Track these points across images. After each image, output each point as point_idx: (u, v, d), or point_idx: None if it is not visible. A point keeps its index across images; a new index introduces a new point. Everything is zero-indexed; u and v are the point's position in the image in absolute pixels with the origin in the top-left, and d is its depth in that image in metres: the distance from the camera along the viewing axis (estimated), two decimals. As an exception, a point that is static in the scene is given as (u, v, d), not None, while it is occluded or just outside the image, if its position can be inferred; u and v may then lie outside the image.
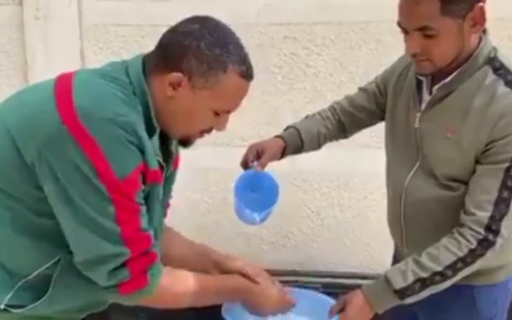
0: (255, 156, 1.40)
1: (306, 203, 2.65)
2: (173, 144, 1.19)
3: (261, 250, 2.61)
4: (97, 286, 1.06)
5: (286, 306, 1.29)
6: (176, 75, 1.03)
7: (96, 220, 0.98)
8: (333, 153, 2.43)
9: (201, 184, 2.54)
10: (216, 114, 1.09)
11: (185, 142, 1.15)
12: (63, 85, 1.02)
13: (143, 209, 1.03)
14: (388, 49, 2.21)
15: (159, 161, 1.08)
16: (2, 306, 1.04)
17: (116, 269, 1.01)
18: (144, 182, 1.02)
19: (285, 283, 1.44)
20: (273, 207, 1.36)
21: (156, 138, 1.07)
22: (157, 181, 1.07)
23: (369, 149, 2.29)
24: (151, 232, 1.05)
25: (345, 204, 2.64)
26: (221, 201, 2.49)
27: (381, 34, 2.33)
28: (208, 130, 1.13)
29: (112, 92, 1.01)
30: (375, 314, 1.30)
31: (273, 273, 1.46)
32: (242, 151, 1.51)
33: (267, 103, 2.56)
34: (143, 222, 1.03)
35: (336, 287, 2.22)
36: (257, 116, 2.52)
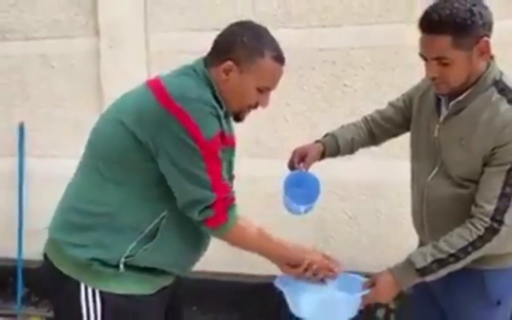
0: (300, 158, 1.68)
1: (345, 210, 2.87)
2: (232, 124, 1.50)
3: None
4: (191, 239, 1.38)
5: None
6: (227, 63, 1.39)
7: (193, 173, 1.31)
8: (370, 164, 2.67)
9: (252, 191, 2.81)
10: (260, 91, 1.42)
11: (238, 117, 1.48)
12: (156, 84, 1.39)
13: (224, 164, 1.36)
14: (418, 71, 2.45)
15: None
16: (122, 260, 1.35)
17: (205, 208, 1.33)
18: (222, 144, 1.35)
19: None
20: (316, 201, 1.61)
21: (223, 113, 1.39)
22: (229, 144, 1.41)
23: (402, 160, 2.51)
24: (229, 182, 1.38)
25: (381, 211, 2.85)
26: (266, 206, 2.74)
27: (412, 57, 2.55)
28: (255, 106, 1.46)
29: (190, 81, 1.37)
30: (400, 296, 1.53)
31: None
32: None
33: (309, 119, 2.82)
34: (224, 174, 1.36)
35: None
36: (301, 130, 2.79)
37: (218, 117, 1.34)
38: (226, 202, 1.36)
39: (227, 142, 1.40)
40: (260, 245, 1.45)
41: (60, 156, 3.15)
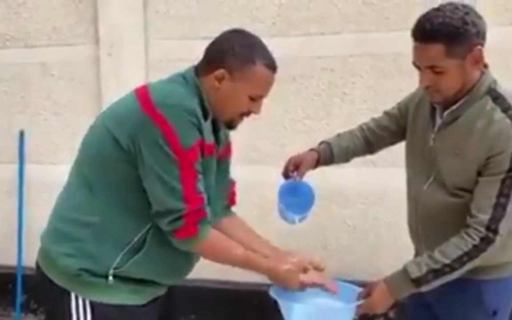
0: (294, 166, 1.67)
1: (344, 217, 2.88)
2: (222, 134, 1.50)
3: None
4: (178, 250, 1.35)
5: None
6: (219, 71, 1.38)
7: (167, 180, 1.29)
8: (369, 171, 2.67)
9: (250, 197, 2.81)
10: (251, 99, 1.41)
11: (230, 125, 1.47)
12: (142, 90, 1.39)
13: (200, 176, 1.33)
14: (416, 78, 2.45)
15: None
16: (111, 271, 1.35)
17: (175, 219, 1.31)
18: (202, 155, 1.34)
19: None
20: (311, 210, 1.61)
21: (209, 122, 1.39)
22: (213, 154, 1.39)
23: (401, 168, 2.50)
24: (205, 195, 1.35)
25: (380, 219, 2.85)
26: (265, 212, 2.70)
27: (410, 65, 2.56)
28: (247, 113, 1.45)
29: (176, 88, 1.37)
30: (398, 305, 1.52)
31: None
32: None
33: (308, 126, 2.83)
34: (200, 186, 1.33)
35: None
36: (299, 138, 2.79)
37: (199, 127, 1.33)
38: (198, 215, 1.33)
39: (210, 151, 1.38)
40: (228, 261, 1.42)
41: (60, 163, 3.16)
